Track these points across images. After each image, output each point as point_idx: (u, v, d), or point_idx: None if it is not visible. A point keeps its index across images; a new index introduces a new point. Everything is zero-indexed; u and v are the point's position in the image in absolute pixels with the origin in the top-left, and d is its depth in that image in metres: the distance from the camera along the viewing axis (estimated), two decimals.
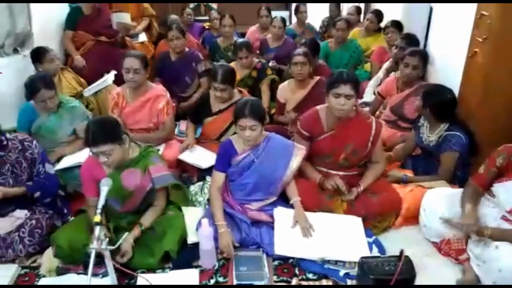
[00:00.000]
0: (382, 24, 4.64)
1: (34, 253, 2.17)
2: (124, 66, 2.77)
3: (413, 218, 2.37)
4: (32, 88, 2.62)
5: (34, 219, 2.18)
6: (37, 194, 2.22)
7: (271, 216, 2.28)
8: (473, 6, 2.58)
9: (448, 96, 2.49)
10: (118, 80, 3.50)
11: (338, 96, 2.24)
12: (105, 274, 1.96)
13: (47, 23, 3.74)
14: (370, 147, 2.38)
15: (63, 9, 3.97)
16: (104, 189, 1.83)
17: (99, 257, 1.74)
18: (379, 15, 4.63)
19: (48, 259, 2.10)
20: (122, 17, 4.00)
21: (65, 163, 2.63)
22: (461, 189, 2.25)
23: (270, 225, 2.26)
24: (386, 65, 3.79)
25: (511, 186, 1.99)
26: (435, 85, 2.66)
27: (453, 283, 2.00)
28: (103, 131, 1.99)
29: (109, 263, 1.78)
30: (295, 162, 2.32)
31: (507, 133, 2.30)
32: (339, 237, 2.15)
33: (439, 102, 2.45)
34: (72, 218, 2.36)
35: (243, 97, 2.90)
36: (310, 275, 2.04)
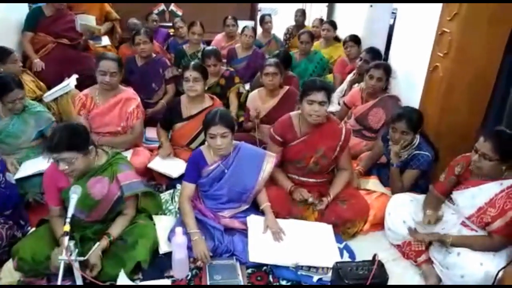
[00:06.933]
0: (341, 37, 4.83)
1: None
2: (99, 68, 2.69)
3: (380, 225, 2.45)
4: (3, 87, 2.50)
5: None
6: None
7: (244, 223, 2.27)
8: (434, 23, 2.74)
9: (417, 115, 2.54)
10: (79, 84, 3.38)
11: (312, 103, 2.28)
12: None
13: (3, 24, 3.55)
14: (338, 151, 2.44)
15: (21, 10, 3.77)
16: (74, 197, 1.76)
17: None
18: (332, 23, 4.82)
19: (8, 273, 1.96)
20: (87, 19, 3.85)
21: (25, 171, 2.48)
22: (423, 195, 2.37)
23: (243, 232, 2.25)
24: (350, 77, 3.92)
25: (469, 194, 2.11)
26: (404, 107, 2.71)
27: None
28: (69, 137, 1.88)
29: (78, 275, 1.71)
30: (266, 170, 2.33)
31: (465, 143, 2.41)
32: (311, 244, 2.18)
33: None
34: (33, 229, 2.22)
35: (215, 104, 2.90)
36: (284, 282, 2.05)
